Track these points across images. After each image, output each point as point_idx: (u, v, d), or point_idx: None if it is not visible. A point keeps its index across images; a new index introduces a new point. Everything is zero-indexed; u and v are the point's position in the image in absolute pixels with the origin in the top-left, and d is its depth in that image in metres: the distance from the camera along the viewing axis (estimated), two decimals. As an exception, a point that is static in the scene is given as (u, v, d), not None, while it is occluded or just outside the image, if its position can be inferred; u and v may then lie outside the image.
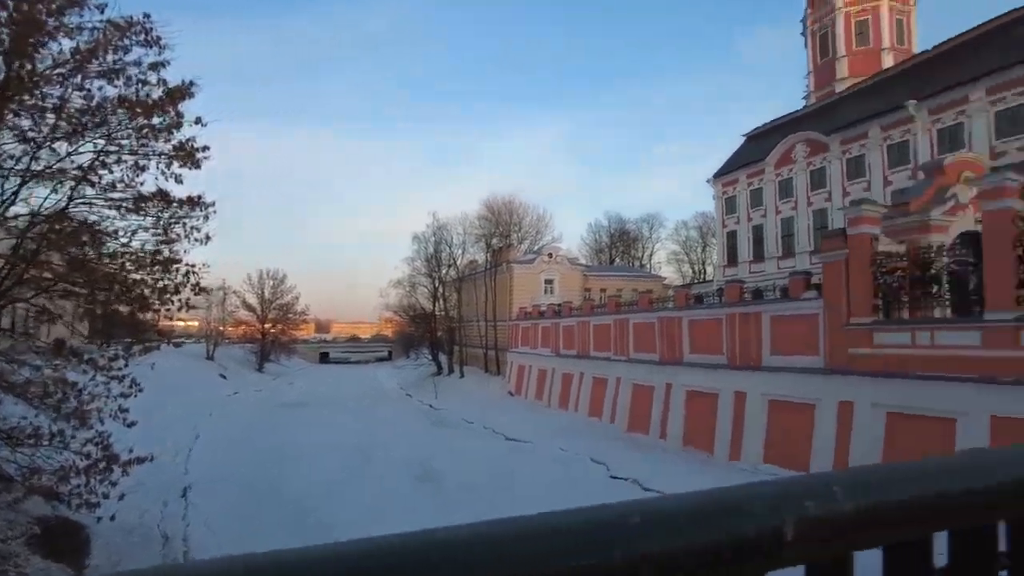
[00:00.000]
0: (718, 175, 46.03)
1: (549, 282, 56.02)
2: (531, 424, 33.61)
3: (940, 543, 0.76)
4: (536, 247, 63.73)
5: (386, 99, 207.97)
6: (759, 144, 43.34)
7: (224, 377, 58.47)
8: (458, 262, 64.21)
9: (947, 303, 18.08)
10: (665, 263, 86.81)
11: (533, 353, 44.71)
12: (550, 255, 56.72)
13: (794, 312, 21.06)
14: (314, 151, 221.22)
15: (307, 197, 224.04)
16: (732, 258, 44.43)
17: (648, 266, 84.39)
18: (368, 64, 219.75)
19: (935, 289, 17.47)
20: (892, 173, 32.99)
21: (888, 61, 40.15)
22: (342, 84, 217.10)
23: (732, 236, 44.65)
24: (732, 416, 23.01)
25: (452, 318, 64.87)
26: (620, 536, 0.54)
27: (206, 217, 13.77)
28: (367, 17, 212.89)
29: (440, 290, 64.69)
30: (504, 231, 65.93)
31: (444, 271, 64.24)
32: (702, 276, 74.22)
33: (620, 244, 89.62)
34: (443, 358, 61.89)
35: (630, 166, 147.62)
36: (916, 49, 39.95)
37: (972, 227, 19.44)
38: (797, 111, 43.18)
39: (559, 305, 43.21)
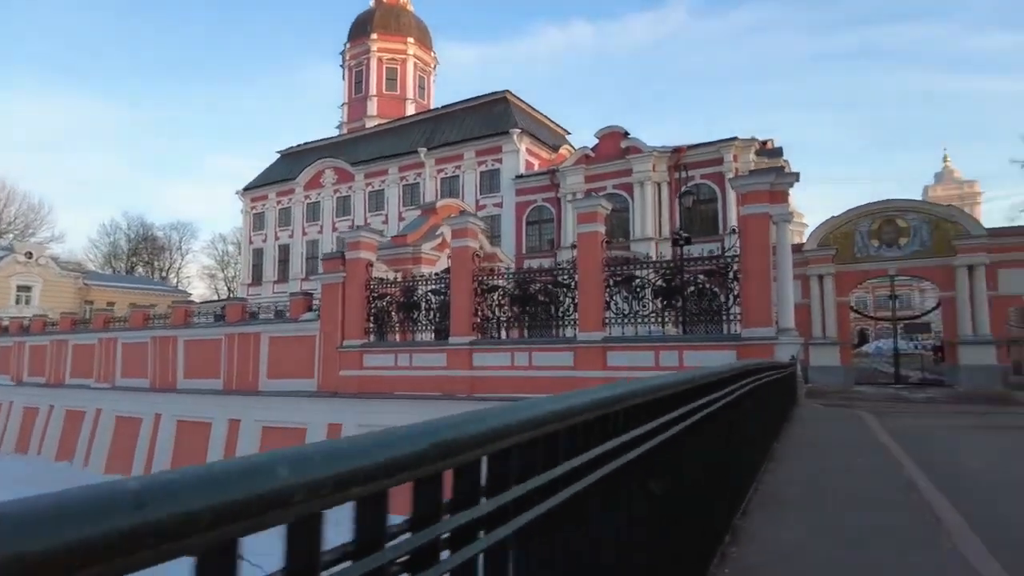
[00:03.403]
0: (248, 188, 43.77)
1: (25, 289, 44.00)
2: (-42, 479, 24.76)
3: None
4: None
5: None
6: (293, 163, 42.93)
7: None
8: None
9: (430, 328, 19.94)
10: (197, 278, 78.87)
11: (-18, 382, 33.76)
12: (29, 254, 44.52)
13: (293, 333, 20.35)
14: None
15: None
16: (258, 277, 42.51)
17: (176, 280, 75.33)
18: None
19: (416, 315, 18.99)
20: (406, 210, 36.41)
21: (411, 110, 44.91)
22: None
23: (259, 253, 42.79)
24: (224, 448, 20.81)
25: None
26: None
27: None
28: None
29: None
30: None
31: None
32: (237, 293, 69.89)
33: (144, 252, 77.63)
34: None
35: (171, 168, 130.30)
36: (433, 105, 45.82)
37: (452, 262, 22.12)
38: (331, 138, 44.44)
39: (28, 319, 33.77)
